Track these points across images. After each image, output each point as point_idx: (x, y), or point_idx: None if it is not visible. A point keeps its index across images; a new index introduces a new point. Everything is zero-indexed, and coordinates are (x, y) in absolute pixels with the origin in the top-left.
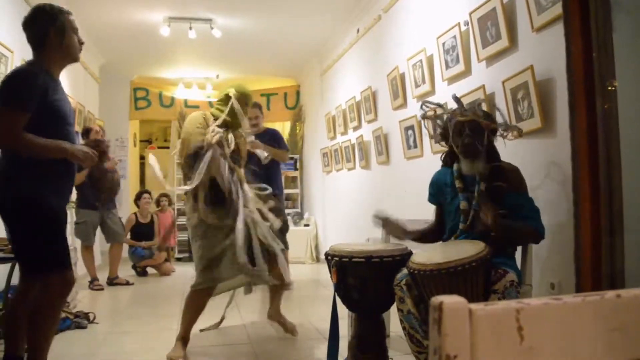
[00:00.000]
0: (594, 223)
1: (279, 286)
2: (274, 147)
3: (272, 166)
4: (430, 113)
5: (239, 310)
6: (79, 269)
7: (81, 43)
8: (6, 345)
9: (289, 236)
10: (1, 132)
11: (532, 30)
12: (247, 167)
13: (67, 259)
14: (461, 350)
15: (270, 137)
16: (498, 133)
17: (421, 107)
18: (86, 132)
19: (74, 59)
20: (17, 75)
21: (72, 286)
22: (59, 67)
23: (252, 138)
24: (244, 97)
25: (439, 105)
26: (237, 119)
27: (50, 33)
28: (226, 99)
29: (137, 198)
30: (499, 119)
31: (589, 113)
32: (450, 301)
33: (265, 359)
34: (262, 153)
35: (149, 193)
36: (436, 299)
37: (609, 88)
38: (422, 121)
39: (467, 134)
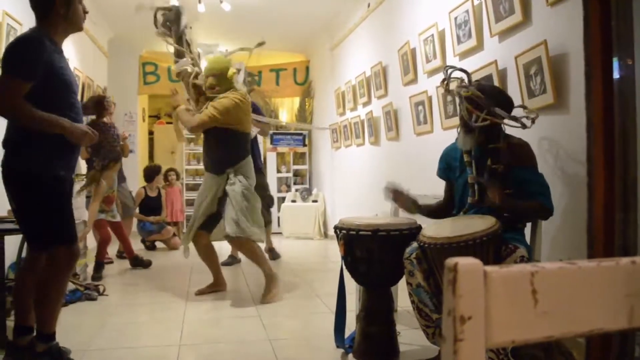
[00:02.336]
0: (607, 195)
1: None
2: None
3: (255, 139)
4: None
5: (248, 284)
6: (90, 242)
7: (85, 12)
8: (16, 315)
9: (297, 212)
10: (2, 100)
11: (546, 4)
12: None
13: (73, 232)
14: (475, 311)
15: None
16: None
17: (444, 72)
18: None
19: (79, 28)
20: (21, 43)
21: (77, 259)
22: (63, 36)
23: None
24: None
25: (464, 72)
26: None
27: (56, 2)
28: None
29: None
30: (512, 94)
31: (605, 84)
32: (466, 262)
33: (273, 331)
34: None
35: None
36: (451, 260)
37: (628, 62)
38: (442, 85)
39: (464, 108)
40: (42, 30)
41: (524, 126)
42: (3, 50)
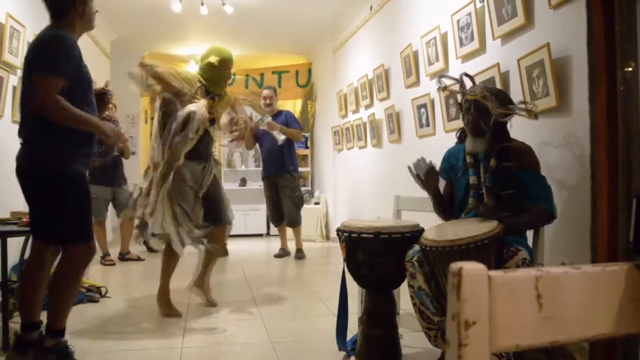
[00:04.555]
0: (611, 198)
1: (213, 254)
2: (288, 127)
3: (286, 145)
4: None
5: (250, 286)
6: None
7: (96, 11)
8: (23, 313)
9: None
10: (40, 97)
11: (549, 7)
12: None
13: (90, 229)
14: (480, 316)
15: (284, 119)
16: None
17: (438, 81)
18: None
19: (91, 26)
20: (53, 40)
21: (93, 256)
22: (79, 34)
23: (269, 119)
24: (225, 63)
25: (456, 80)
26: (219, 86)
27: (76, 1)
28: (207, 66)
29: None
30: (514, 97)
31: (609, 87)
32: (470, 267)
33: (275, 333)
34: (279, 135)
35: None
36: (456, 265)
37: (630, 68)
38: (438, 92)
39: (472, 112)
40: (62, 28)
41: (536, 117)
42: (7, 51)
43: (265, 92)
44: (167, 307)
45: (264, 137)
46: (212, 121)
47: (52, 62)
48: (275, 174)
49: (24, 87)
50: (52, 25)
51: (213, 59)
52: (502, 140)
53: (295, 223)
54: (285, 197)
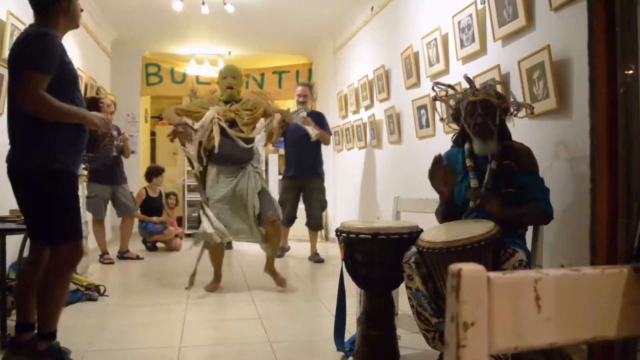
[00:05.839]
0: (611, 200)
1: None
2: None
3: (315, 146)
4: (442, 94)
5: (249, 286)
6: (90, 242)
7: (81, 10)
8: (18, 313)
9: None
10: (26, 94)
11: (550, 9)
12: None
13: (80, 228)
14: (478, 318)
15: (316, 119)
16: (511, 111)
17: (432, 89)
18: (92, 102)
19: (76, 24)
20: (37, 37)
21: (81, 256)
22: (63, 32)
23: (304, 114)
24: (225, 73)
25: (451, 87)
26: (232, 95)
27: None
28: (219, 83)
29: (155, 175)
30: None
31: (610, 89)
32: (469, 268)
33: (273, 333)
34: (313, 130)
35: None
36: (455, 266)
37: (630, 70)
38: (434, 103)
39: (479, 113)
40: (46, 25)
41: (532, 108)
42: (8, 48)
43: (300, 89)
44: (209, 289)
45: (290, 134)
46: (233, 123)
47: (36, 59)
48: (304, 175)
49: (9, 87)
50: (36, 23)
51: (218, 77)
52: (503, 140)
53: (320, 226)
54: (313, 200)
